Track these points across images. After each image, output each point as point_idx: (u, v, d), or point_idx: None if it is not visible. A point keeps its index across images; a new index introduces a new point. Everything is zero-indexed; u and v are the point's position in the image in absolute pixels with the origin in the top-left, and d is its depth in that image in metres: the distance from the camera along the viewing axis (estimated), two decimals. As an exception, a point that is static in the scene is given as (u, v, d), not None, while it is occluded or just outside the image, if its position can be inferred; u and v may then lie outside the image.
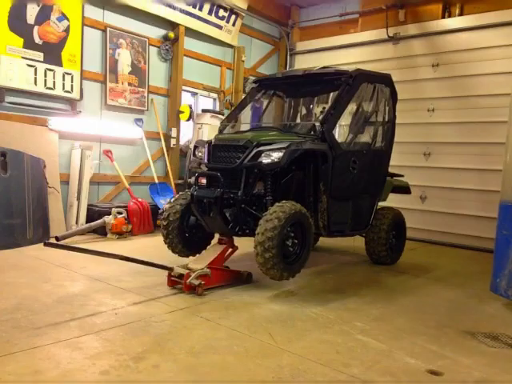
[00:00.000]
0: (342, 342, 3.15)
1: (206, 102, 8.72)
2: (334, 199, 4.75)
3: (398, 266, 5.67)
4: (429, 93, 7.73)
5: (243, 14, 8.58)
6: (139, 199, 6.85)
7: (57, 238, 5.43)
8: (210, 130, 7.65)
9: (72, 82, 6.46)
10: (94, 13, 6.74)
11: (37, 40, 6.06)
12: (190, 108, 7.76)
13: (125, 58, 7.12)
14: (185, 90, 8.09)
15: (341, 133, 5.28)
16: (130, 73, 7.20)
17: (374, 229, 5.39)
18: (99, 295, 3.82)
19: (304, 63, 9.29)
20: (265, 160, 4.23)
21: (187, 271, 3.97)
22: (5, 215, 5.36)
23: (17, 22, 5.84)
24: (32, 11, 5.99)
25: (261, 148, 4.29)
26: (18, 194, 5.54)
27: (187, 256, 4.79)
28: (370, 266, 5.61)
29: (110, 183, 7.19)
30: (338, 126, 5.01)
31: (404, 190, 6.02)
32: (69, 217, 6.44)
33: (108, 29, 6.86)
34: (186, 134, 8.41)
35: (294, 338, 3.17)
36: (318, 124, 4.60)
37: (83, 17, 6.52)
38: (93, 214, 6.48)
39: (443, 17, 7.69)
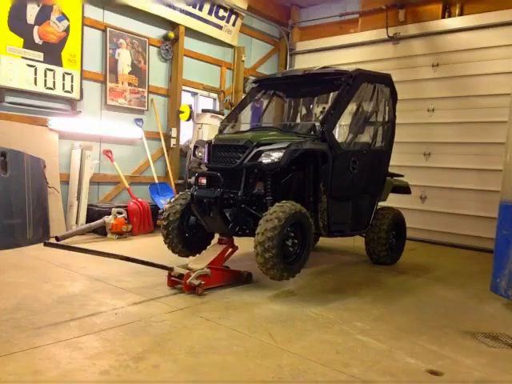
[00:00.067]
0: (342, 341, 3.15)
1: (206, 101, 8.72)
2: (334, 199, 4.75)
3: (398, 266, 5.67)
4: (429, 93, 7.73)
5: (243, 14, 8.58)
6: (139, 199, 6.85)
7: (57, 238, 5.43)
8: (210, 129, 7.65)
9: (72, 82, 6.46)
10: (94, 13, 6.74)
11: (37, 40, 6.06)
12: (190, 108, 7.76)
13: (125, 58, 7.12)
14: (185, 90, 8.09)
15: (341, 133, 5.28)
16: (130, 73, 7.21)
17: (373, 229, 5.39)
18: (99, 295, 3.82)
19: (304, 63, 9.29)
20: (265, 160, 4.23)
21: (187, 271, 3.97)
22: (5, 215, 5.36)
23: (17, 22, 5.84)
24: (32, 11, 5.99)
25: (261, 148, 4.29)
26: (18, 194, 5.54)
27: (187, 256, 4.79)
28: (370, 266, 5.61)
29: (109, 183, 7.19)
30: (338, 125, 5.01)
31: (404, 189, 6.02)
32: (69, 217, 6.45)
33: (108, 29, 6.86)
34: (186, 134, 8.41)
35: (294, 338, 3.17)
36: (318, 124, 4.60)
37: (83, 17, 6.52)
38: (93, 213, 6.48)
39: (443, 17, 7.69)
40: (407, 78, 7.80)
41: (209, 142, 4.72)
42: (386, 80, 5.32)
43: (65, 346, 2.81)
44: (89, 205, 6.59)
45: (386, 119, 5.36)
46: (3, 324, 3.09)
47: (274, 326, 3.37)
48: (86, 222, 6.40)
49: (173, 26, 7.68)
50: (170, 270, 4.05)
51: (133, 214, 6.59)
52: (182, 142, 8.23)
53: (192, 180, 6.02)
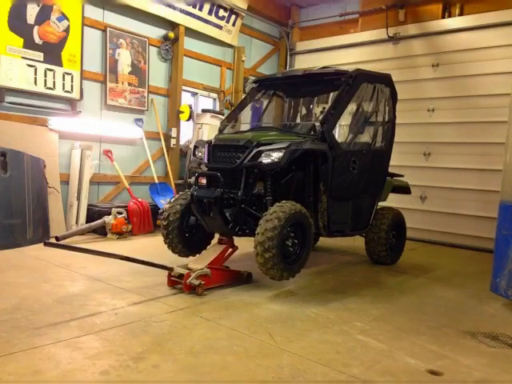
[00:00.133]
0: (342, 341, 3.15)
1: (206, 101, 8.72)
2: (334, 199, 4.75)
3: (398, 266, 5.67)
4: (429, 93, 7.73)
5: (243, 14, 8.58)
6: (139, 199, 6.85)
7: (57, 238, 5.43)
8: (210, 129, 7.65)
9: (72, 82, 6.46)
10: (94, 13, 6.74)
11: (37, 40, 6.06)
12: (190, 108, 7.76)
13: (125, 58, 7.12)
14: (185, 90, 8.09)
15: (341, 133, 5.28)
16: (130, 73, 7.21)
17: (373, 229, 5.39)
18: (99, 295, 3.82)
19: (304, 63, 9.29)
20: (265, 160, 4.23)
21: (187, 271, 3.97)
22: (5, 215, 5.36)
23: (17, 22, 5.84)
24: (32, 11, 5.99)
25: (261, 148, 4.28)
26: (18, 194, 5.54)
27: (187, 256, 4.79)
28: (370, 265, 5.61)
29: (109, 183, 7.19)
30: (338, 126, 5.00)
31: (404, 189, 6.02)
32: (69, 217, 6.45)
33: (108, 29, 6.86)
34: (186, 133, 8.41)
35: (294, 338, 3.17)
36: (318, 124, 4.59)
37: (83, 17, 6.52)
38: (93, 214, 6.48)
39: (443, 17, 7.69)
40: (407, 77, 7.80)
41: (209, 142, 4.72)
42: (385, 80, 5.32)
43: (65, 346, 2.81)
44: (89, 205, 6.59)
45: (386, 119, 5.36)
46: (3, 324, 3.09)
47: (273, 325, 3.37)
48: (86, 222, 6.40)
49: (173, 26, 7.68)
50: (170, 270, 4.05)
51: (133, 214, 6.60)
52: (182, 141, 8.23)
53: (192, 180, 6.03)
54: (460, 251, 7.10)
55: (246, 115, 5.75)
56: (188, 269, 4.05)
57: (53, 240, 5.41)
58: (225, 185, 4.34)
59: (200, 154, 5.04)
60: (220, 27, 8.31)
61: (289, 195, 4.59)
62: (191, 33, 7.95)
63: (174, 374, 2.56)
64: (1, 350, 2.70)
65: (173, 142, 7.80)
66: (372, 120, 5.22)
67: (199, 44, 8.24)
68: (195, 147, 5.21)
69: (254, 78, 6.84)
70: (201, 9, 7.88)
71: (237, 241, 4.55)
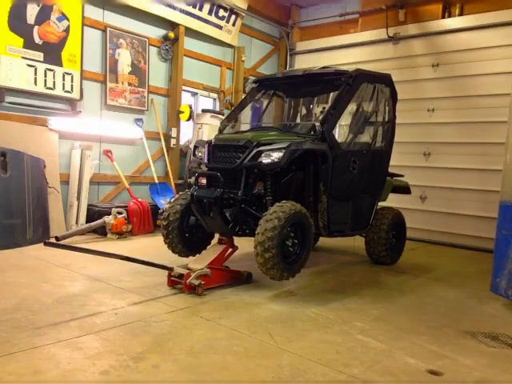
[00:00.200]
0: (342, 341, 3.15)
1: (206, 101, 8.72)
2: (334, 199, 4.75)
3: (398, 266, 5.67)
4: (429, 93, 7.73)
5: (243, 14, 8.58)
6: (139, 199, 6.85)
7: (57, 238, 5.43)
8: (210, 129, 7.65)
9: (72, 82, 6.46)
10: (94, 13, 6.74)
11: (37, 40, 6.06)
12: (190, 108, 7.76)
13: (125, 58, 7.12)
14: (185, 90, 8.09)
15: (341, 133, 5.28)
16: (130, 73, 7.21)
17: (373, 229, 5.39)
18: (99, 295, 3.82)
19: (304, 63, 9.29)
20: (265, 160, 4.23)
21: (187, 271, 3.97)
22: (5, 215, 5.36)
23: (17, 22, 5.84)
24: (32, 11, 5.99)
25: (261, 148, 4.28)
26: (18, 194, 5.54)
27: (187, 256, 4.79)
28: (370, 265, 5.61)
29: (109, 183, 7.19)
30: (338, 125, 5.00)
31: (404, 189, 6.02)
32: (69, 217, 6.45)
33: (108, 29, 6.86)
34: (186, 133, 8.41)
35: (294, 338, 3.17)
36: (318, 124, 4.59)
37: (83, 17, 6.52)
38: (93, 213, 6.48)
39: (443, 17, 7.69)
40: (407, 77, 7.80)
41: (209, 142, 4.72)
42: (385, 80, 5.32)
43: (65, 346, 2.81)
44: (89, 205, 6.59)
45: (386, 119, 5.36)
46: (3, 324, 3.09)
47: (274, 325, 3.37)
48: (86, 222, 6.40)
49: (173, 26, 7.68)
50: (170, 270, 4.05)
51: (133, 214, 6.60)
52: (182, 141, 8.23)
53: (192, 180, 6.02)
54: (460, 251, 7.10)
55: (246, 115, 5.75)
56: (188, 269, 4.05)
57: (53, 240, 5.40)
58: (225, 185, 4.34)
59: (200, 154, 5.04)
60: (220, 27, 8.31)
61: (289, 195, 4.59)
62: (191, 33, 7.95)
63: (173, 373, 2.56)
64: (1, 349, 2.70)
65: (173, 142, 7.80)
66: (372, 120, 5.22)
67: (199, 44, 8.24)
68: (195, 147, 5.21)
69: (253, 78, 6.84)
70: (201, 9, 7.88)
71: (237, 241, 4.55)
